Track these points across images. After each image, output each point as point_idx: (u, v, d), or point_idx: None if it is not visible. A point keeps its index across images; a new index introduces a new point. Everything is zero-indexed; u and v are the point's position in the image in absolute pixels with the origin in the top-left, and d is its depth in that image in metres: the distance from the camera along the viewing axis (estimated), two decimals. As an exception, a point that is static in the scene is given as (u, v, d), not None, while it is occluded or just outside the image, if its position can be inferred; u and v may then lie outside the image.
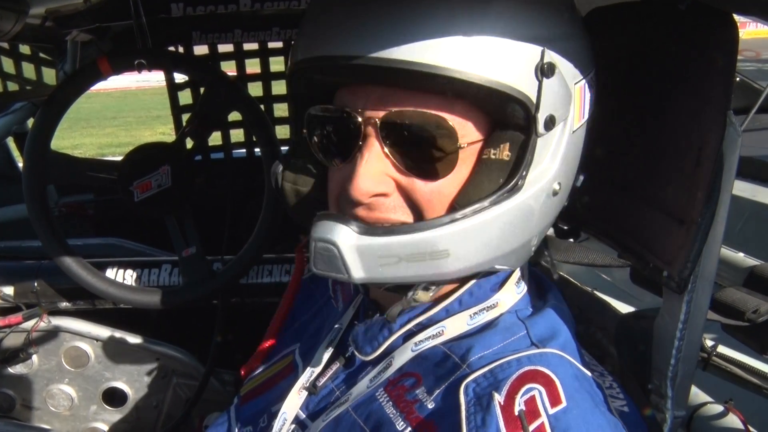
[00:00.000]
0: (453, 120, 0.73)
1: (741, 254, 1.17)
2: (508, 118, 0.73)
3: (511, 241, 0.76)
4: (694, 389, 1.06)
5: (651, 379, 0.87)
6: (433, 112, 0.72)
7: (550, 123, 0.74)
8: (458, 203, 0.74)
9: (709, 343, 1.20)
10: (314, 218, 0.75)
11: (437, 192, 0.75)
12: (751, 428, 0.98)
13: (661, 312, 0.86)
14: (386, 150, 0.74)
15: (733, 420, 0.99)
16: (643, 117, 0.90)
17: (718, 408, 1.01)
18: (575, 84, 0.76)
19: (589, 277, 1.93)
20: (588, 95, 0.80)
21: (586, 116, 0.81)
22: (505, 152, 0.74)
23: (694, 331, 0.83)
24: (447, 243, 0.72)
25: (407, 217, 0.76)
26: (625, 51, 0.94)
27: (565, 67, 0.74)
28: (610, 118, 0.96)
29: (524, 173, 0.73)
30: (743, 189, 2.25)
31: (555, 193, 0.78)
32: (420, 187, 0.75)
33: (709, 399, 1.04)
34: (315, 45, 0.74)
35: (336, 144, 0.78)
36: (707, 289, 0.82)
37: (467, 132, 0.74)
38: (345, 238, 0.72)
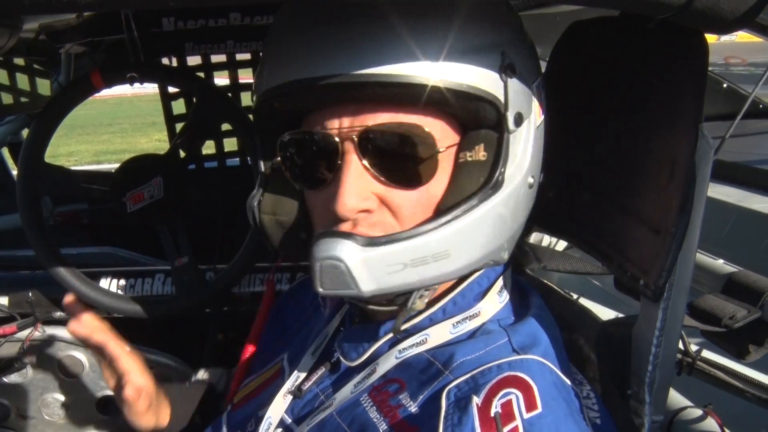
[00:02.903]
0: (429, 126, 0.76)
1: (720, 261, 1.20)
2: (480, 119, 0.77)
3: (503, 233, 0.80)
4: (674, 394, 1.08)
5: (630, 385, 0.89)
6: (409, 120, 0.75)
7: (519, 119, 0.78)
8: (443, 206, 0.77)
9: (693, 347, 1.22)
10: (313, 239, 0.76)
11: (419, 200, 0.77)
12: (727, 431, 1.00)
13: (639, 319, 0.88)
14: (365, 164, 0.76)
15: (711, 424, 1.01)
16: (621, 128, 0.93)
17: (698, 412, 1.04)
18: (533, 83, 0.81)
19: (579, 283, 1.95)
20: (543, 94, 0.85)
21: (544, 114, 0.85)
22: (480, 153, 0.77)
23: (671, 338, 0.85)
24: (446, 244, 0.75)
25: (393, 229, 0.77)
26: (604, 63, 0.97)
27: (522, 68, 0.78)
28: (589, 128, 0.98)
29: (503, 170, 0.77)
30: (729, 194, 2.28)
31: (531, 186, 0.82)
32: (402, 197, 0.77)
33: (688, 403, 1.06)
34: (282, 72, 0.75)
35: (315, 167, 0.79)
36: (683, 297, 0.84)
37: (443, 136, 0.77)
38: (350, 252, 0.73)
